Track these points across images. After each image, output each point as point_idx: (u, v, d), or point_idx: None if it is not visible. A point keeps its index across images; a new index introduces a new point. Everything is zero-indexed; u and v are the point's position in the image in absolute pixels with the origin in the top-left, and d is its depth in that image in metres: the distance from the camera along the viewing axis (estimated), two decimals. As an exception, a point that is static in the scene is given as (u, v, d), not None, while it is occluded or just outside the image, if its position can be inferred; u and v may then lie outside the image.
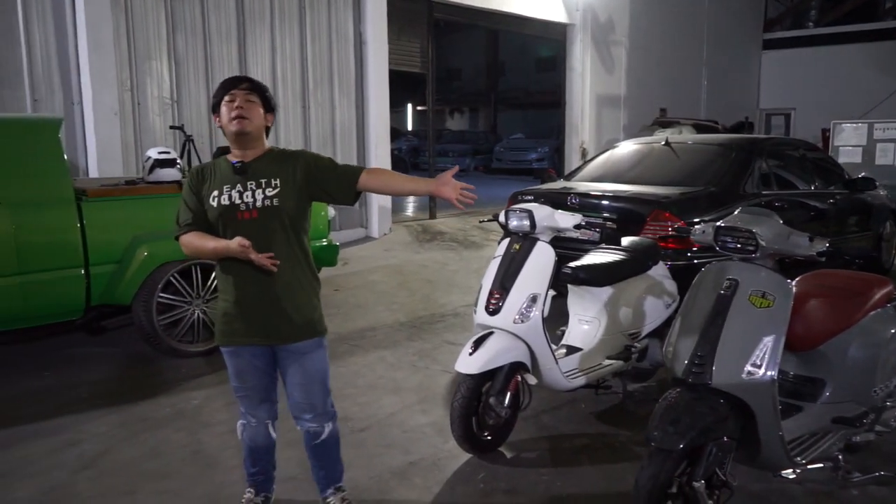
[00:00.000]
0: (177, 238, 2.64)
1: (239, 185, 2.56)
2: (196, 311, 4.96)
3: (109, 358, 5.03)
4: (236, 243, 2.43)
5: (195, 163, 5.52)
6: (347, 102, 9.51)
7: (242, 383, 2.73)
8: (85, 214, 4.50)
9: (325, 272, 6.07)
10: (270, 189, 2.56)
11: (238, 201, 2.55)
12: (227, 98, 2.56)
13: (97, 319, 4.87)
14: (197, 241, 2.57)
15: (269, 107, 2.66)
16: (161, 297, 4.79)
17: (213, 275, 4.96)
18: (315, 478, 2.93)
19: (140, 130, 7.45)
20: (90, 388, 4.44)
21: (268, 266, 2.46)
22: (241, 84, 2.59)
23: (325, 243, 5.62)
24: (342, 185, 2.66)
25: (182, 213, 2.63)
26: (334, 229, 8.95)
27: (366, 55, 9.59)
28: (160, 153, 5.03)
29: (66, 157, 4.53)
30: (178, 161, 5.11)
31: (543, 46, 20.22)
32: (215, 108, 2.62)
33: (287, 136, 8.86)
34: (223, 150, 5.50)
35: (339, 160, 9.89)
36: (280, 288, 2.58)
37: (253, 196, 2.55)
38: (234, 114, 2.53)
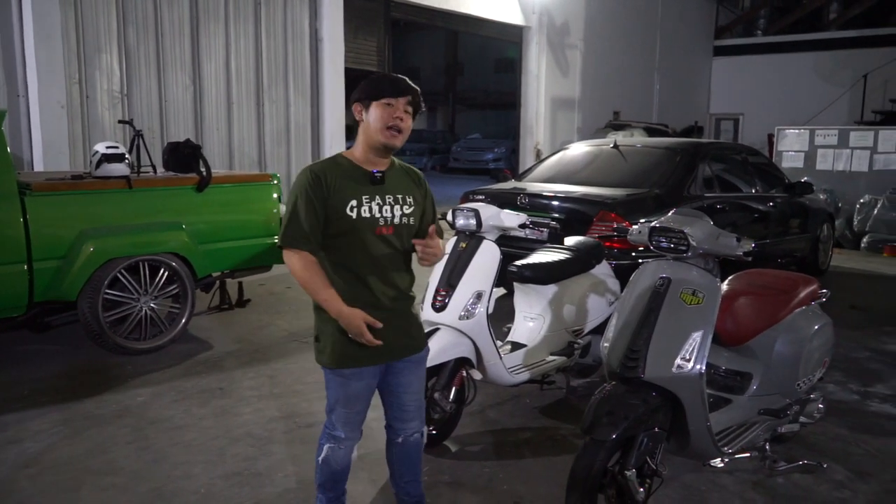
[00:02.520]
0: (280, 247, 2.36)
1: (378, 196, 2.39)
2: (143, 308, 4.92)
3: (53, 355, 4.95)
4: (360, 321, 2.30)
5: (144, 159, 5.44)
6: (302, 100, 9.49)
7: (352, 408, 2.51)
8: (28, 209, 4.42)
9: (276, 269, 6.07)
10: (407, 206, 2.45)
11: (378, 214, 2.38)
12: (384, 101, 2.35)
13: (41, 316, 4.78)
14: (311, 275, 2.32)
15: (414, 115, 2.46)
16: (107, 293, 4.74)
17: (162, 271, 4.95)
18: (402, 492, 2.78)
19: (88, 124, 7.33)
20: (32, 385, 4.37)
21: (372, 343, 2.34)
22: (403, 94, 2.37)
23: (276, 240, 5.62)
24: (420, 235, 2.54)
25: (298, 221, 2.31)
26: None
27: (322, 53, 9.59)
28: (108, 148, 4.96)
29: (9, 150, 4.45)
30: (127, 156, 5.06)
31: (502, 47, 20.41)
32: (362, 101, 2.38)
33: (241, 132, 8.80)
34: (174, 146, 5.48)
35: (294, 157, 9.70)
36: (405, 303, 2.52)
37: (391, 211, 2.41)
38: (391, 123, 2.34)
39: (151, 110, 7.87)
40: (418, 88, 2.43)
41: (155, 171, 5.46)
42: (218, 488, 3.20)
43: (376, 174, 2.41)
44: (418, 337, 2.59)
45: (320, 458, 2.59)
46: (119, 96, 7.58)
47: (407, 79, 2.43)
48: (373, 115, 2.36)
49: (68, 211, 4.65)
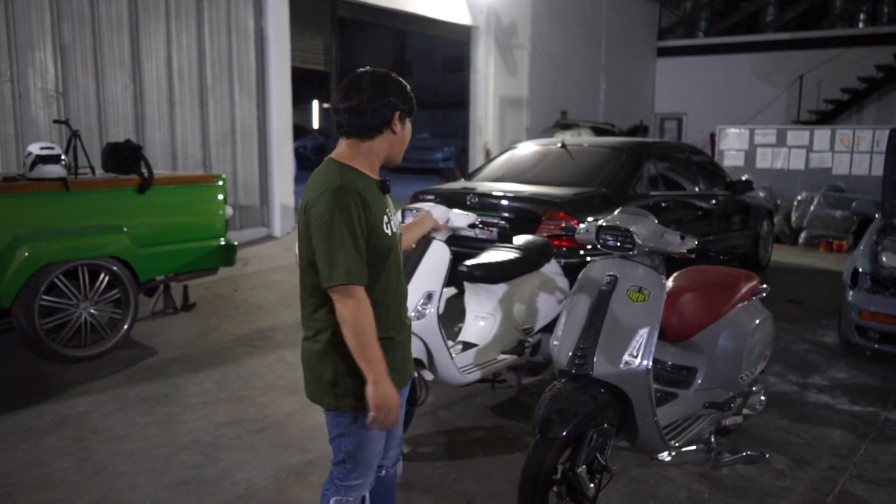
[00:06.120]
0: (341, 285, 1.96)
1: (390, 207, 2.18)
2: (83, 314, 4.75)
3: (-13, 365, 4.75)
4: (396, 401, 2.03)
5: (82, 159, 5.25)
6: (248, 99, 9.31)
7: (373, 449, 2.22)
8: (-43, 213, 4.24)
9: (223, 272, 5.95)
10: (396, 213, 2.30)
11: (396, 228, 2.19)
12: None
13: (-27, 324, 4.58)
14: (371, 323, 1.99)
15: None
16: (44, 299, 4.57)
17: (102, 276, 4.80)
18: None
19: (21, 124, 7.05)
20: (-36, 397, 4.19)
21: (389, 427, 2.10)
22: None
23: (222, 243, 5.51)
24: None
25: (354, 251, 1.97)
26: (234, 228, 8.77)
27: (267, 51, 9.42)
28: (42, 148, 4.78)
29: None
30: (63, 157, 4.89)
31: (451, 47, 20.46)
32: (401, 115, 2.16)
33: (184, 133, 8.59)
34: (113, 147, 5.30)
35: (240, 158, 9.51)
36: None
37: (396, 221, 2.24)
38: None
39: (89, 110, 7.61)
40: None
41: (93, 173, 5.29)
42: (164, 498, 3.12)
43: (388, 181, 2.18)
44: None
45: None
46: (54, 95, 7.30)
47: None
48: (408, 131, 2.20)
49: (1, 214, 4.46)
